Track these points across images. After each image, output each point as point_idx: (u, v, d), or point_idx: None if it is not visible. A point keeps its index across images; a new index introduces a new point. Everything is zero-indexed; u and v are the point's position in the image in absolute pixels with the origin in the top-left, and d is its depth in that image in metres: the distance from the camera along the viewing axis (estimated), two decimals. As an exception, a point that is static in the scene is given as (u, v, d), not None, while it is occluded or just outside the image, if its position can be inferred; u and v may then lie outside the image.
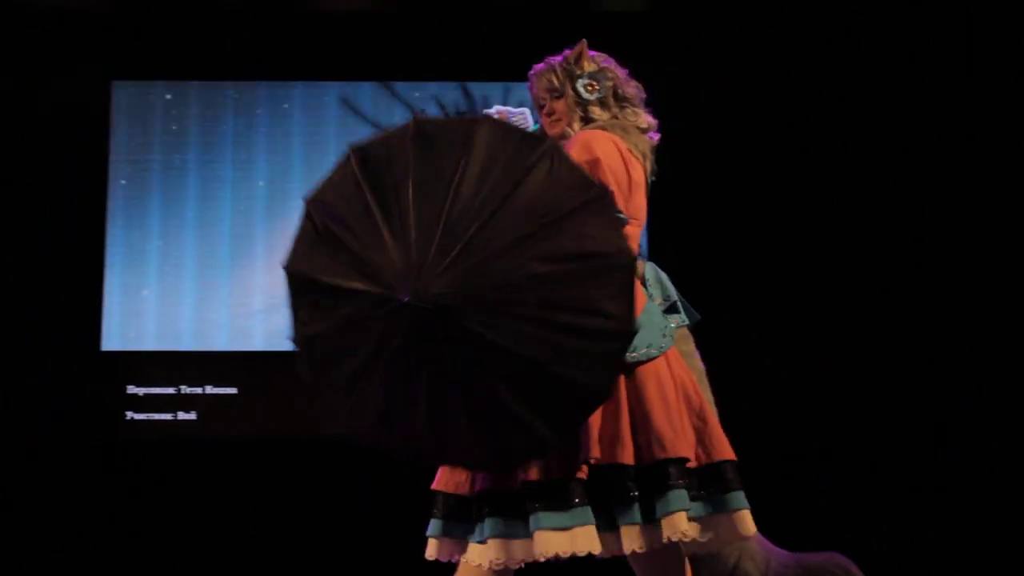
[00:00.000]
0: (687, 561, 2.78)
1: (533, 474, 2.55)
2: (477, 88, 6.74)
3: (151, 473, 6.31)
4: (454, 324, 2.25)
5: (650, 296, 2.87)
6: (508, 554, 2.58)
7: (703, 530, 2.65)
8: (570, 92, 2.99)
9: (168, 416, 6.38)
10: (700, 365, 3.00)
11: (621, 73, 3.04)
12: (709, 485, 2.69)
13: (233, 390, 6.39)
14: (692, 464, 2.64)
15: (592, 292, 2.30)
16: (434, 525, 2.79)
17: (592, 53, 3.07)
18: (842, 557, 3.44)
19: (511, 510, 2.58)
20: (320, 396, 2.61)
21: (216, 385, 6.40)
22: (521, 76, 6.49)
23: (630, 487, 2.56)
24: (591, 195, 2.34)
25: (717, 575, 3.16)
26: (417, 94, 6.66)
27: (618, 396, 2.64)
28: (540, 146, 2.36)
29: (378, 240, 2.32)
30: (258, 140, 6.61)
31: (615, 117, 2.93)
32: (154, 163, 6.57)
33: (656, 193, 3.06)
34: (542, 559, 2.57)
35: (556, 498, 2.53)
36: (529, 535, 2.54)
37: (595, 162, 2.73)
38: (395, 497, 6.21)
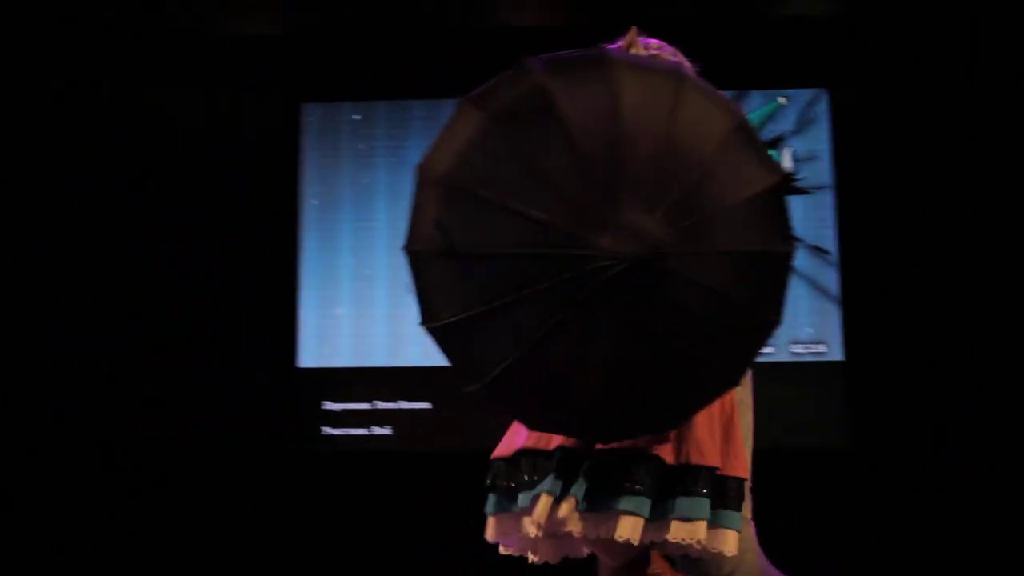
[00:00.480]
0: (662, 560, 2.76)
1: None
2: None
3: (348, 486, 6.48)
4: (665, 274, 2.04)
5: None
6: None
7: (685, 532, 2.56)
8: None
9: (363, 431, 6.53)
10: (748, 379, 2.88)
11: (674, 61, 2.93)
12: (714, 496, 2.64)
13: (427, 405, 6.51)
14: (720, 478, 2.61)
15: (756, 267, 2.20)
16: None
17: (647, 41, 2.96)
18: None
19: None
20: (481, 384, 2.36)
21: (410, 400, 6.53)
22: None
23: (636, 475, 2.52)
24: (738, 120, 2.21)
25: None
26: None
27: None
28: (675, 74, 2.22)
29: (544, 193, 2.05)
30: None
31: None
32: (344, 183, 6.73)
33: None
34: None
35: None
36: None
37: None
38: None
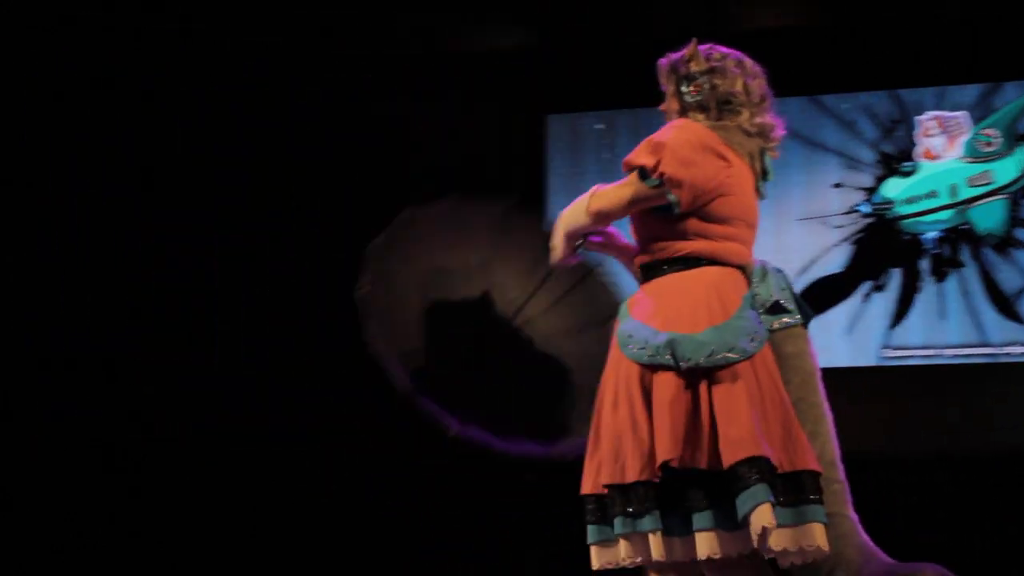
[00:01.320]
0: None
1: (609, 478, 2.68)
2: (908, 95, 6.91)
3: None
4: None
5: (751, 296, 2.88)
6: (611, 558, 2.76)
7: (782, 539, 2.61)
8: (674, 94, 3.01)
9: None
10: (809, 366, 2.89)
11: (741, 71, 3.03)
12: (789, 494, 2.65)
13: None
14: (776, 468, 2.62)
15: None
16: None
17: (713, 51, 3.03)
18: (940, 568, 3.21)
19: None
20: None
21: None
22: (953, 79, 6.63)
23: (701, 491, 2.61)
24: None
25: None
26: (845, 105, 6.84)
27: (697, 399, 2.68)
28: None
29: None
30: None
31: (716, 119, 2.90)
32: (587, 187, 6.97)
33: None
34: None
35: (629, 502, 2.65)
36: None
37: (658, 145, 2.78)
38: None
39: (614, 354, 2.84)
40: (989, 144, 6.63)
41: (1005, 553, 6.30)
